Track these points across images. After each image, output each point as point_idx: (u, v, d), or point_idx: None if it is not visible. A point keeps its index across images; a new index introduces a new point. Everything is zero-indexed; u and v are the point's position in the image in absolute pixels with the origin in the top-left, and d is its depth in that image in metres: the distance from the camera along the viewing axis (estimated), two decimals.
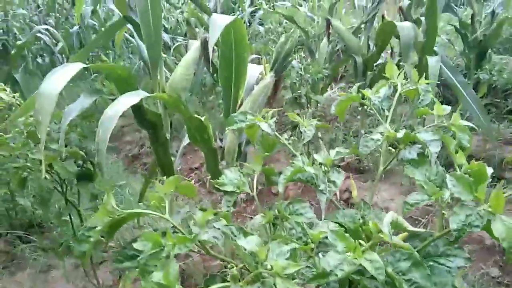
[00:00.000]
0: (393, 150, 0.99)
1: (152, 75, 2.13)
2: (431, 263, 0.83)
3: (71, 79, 1.39)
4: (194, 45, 2.20)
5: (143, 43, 2.13)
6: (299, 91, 3.51)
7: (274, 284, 0.57)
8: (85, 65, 1.51)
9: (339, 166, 3.48)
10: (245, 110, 1.97)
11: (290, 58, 1.91)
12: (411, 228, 0.72)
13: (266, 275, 0.59)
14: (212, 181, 0.99)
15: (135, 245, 0.66)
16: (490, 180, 2.82)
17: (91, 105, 1.68)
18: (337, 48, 3.72)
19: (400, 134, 0.88)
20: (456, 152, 0.87)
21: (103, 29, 4.70)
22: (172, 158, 2.35)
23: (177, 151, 2.71)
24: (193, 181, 3.48)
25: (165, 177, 2.43)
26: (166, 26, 4.64)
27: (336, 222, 0.82)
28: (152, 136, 2.15)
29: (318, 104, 3.66)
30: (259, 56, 4.11)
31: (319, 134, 3.64)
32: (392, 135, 0.89)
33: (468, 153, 3.08)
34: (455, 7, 4.02)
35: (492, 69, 3.92)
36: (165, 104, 2.12)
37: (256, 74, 2.12)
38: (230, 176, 0.95)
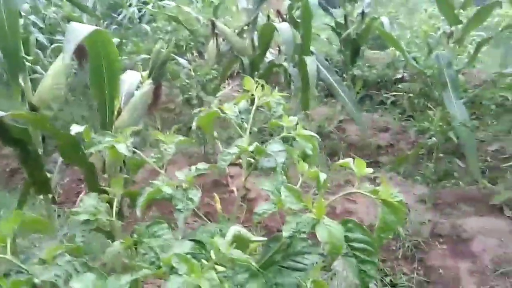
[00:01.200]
0: (252, 160, 1.04)
1: (13, 87, 1.94)
2: (290, 262, 0.90)
3: None
4: (64, 54, 2.05)
5: None
6: (190, 93, 3.49)
7: None
8: None
9: (236, 164, 3.57)
10: (124, 120, 1.91)
11: (167, 65, 1.89)
12: (255, 238, 0.76)
13: None
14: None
15: None
16: (369, 163, 3.11)
17: None
18: (226, 48, 3.77)
19: (252, 148, 0.93)
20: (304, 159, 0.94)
21: None
22: (49, 175, 2.17)
23: (56, 163, 2.51)
24: (82, 193, 3.26)
25: (41, 196, 2.21)
26: (41, 25, 4.24)
27: (194, 240, 0.83)
28: (20, 153, 1.96)
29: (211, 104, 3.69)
30: (149, 56, 3.98)
31: (215, 134, 3.67)
32: (245, 149, 0.93)
33: (349, 142, 3.34)
34: (331, 8, 4.34)
35: (365, 64, 4.34)
36: (38, 129, 1.94)
37: (136, 80, 2.06)
38: (87, 203, 0.91)
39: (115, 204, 0.93)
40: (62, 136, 1.59)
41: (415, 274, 2.37)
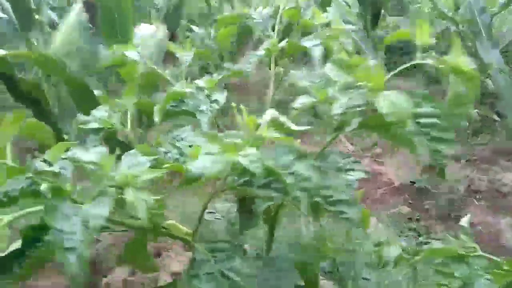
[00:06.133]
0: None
1: (23, 40, 1.88)
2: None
3: None
4: (76, 7, 1.97)
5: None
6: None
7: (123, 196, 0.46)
8: None
9: None
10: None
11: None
12: (295, 127, 0.64)
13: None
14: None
15: None
16: None
17: None
18: None
19: (283, 43, 0.81)
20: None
21: None
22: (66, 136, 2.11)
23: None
24: None
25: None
26: None
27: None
28: (34, 112, 1.89)
29: None
30: None
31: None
32: (274, 45, 0.81)
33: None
34: None
35: (387, 25, 4.14)
36: (46, 73, 1.87)
37: (150, 32, 1.96)
38: (97, 114, 0.81)
39: (129, 114, 0.82)
40: (73, 81, 1.50)
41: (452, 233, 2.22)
